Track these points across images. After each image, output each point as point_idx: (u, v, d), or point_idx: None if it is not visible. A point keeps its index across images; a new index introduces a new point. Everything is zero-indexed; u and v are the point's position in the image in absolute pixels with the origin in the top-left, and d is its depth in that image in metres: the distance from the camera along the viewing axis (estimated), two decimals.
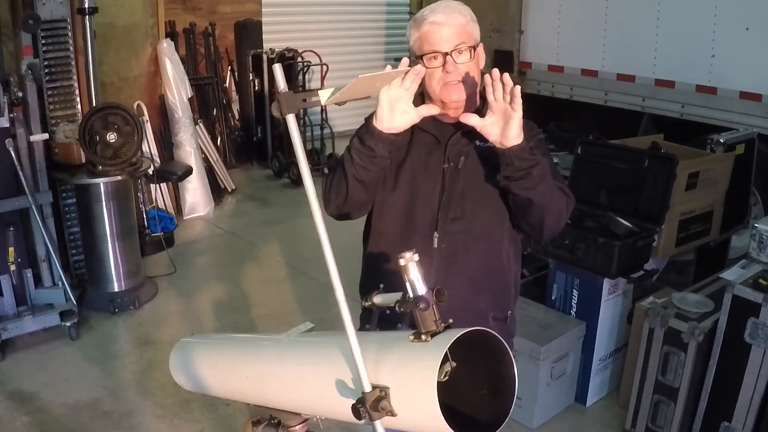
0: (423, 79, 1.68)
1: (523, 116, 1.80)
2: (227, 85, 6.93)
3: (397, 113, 1.56)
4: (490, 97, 1.52)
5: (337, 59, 7.29)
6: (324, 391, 1.30)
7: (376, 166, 1.61)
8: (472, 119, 1.56)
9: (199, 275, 4.67)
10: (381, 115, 1.56)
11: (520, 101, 1.49)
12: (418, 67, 1.54)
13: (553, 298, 3.21)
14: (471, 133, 1.68)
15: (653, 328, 2.75)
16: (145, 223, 4.87)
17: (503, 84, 1.49)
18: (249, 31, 7.00)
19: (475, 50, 1.66)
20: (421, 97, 1.77)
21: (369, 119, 1.64)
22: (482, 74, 1.69)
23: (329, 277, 1.20)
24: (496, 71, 1.49)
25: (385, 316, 1.68)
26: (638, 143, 3.70)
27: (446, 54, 1.62)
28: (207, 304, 4.24)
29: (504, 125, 1.52)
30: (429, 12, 1.65)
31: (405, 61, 1.50)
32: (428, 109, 1.62)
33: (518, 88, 1.48)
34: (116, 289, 4.09)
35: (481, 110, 1.72)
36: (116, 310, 4.00)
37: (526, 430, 2.99)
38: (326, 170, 6.54)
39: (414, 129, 1.71)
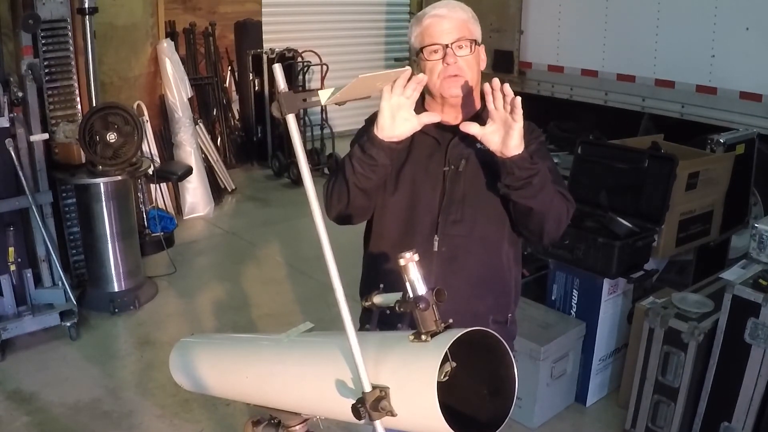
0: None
1: (524, 117, 1.79)
2: (227, 85, 6.93)
3: (398, 121, 1.54)
4: (490, 105, 1.51)
5: (337, 59, 7.29)
6: (324, 391, 1.30)
7: (377, 175, 1.60)
8: (473, 128, 1.55)
9: (199, 275, 4.67)
10: (382, 124, 1.55)
11: (521, 111, 1.48)
12: (421, 75, 1.53)
13: (553, 298, 3.21)
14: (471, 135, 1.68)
15: (653, 328, 2.75)
16: (145, 223, 4.87)
17: (504, 94, 1.48)
18: (249, 31, 7.00)
19: (475, 45, 1.66)
20: (421, 97, 1.77)
21: (370, 123, 1.64)
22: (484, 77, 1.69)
23: (329, 277, 1.20)
24: (496, 81, 1.48)
25: (385, 316, 1.68)
26: (638, 143, 3.70)
27: (446, 46, 1.62)
28: (207, 304, 4.24)
29: (505, 135, 1.51)
30: (431, 8, 1.67)
31: (408, 70, 1.49)
32: (430, 117, 1.60)
33: (518, 99, 1.47)
34: (116, 289, 4.09)
35: (482, 113, 1.72)
36: (116, 310, 4.00)
37: (526, 430, 2.99)
38: (326, 171, 6.55)
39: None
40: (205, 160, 5.98)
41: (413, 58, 1.74)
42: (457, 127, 1.69)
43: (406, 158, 1.71)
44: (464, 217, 1.67)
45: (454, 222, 1.66)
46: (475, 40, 1.66)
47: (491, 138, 1.53)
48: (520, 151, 1.52)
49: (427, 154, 1.70)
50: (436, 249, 1.68)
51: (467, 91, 1.66)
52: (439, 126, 1.71)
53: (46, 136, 3.79)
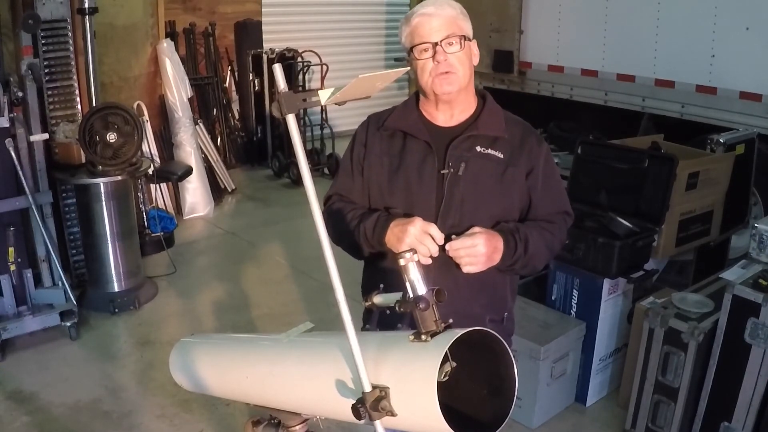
0: (416, 75, 1.68)
1: (523, 116, 1.79)
2: (227, 85, 6.93)
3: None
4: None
5: (337, 59, 7.29)
6: (324, 391, 1.30)
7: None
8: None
9: (199, 275, 4.67)
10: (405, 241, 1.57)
11: (458, 254, 1.58)
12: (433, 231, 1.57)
13: (553, 298, 3.21)
14: (472, 137, 1.67)
15: (653, 328, 2.75)
16: (145, 223, 4.87)
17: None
18: (249, 31, 7.00)
19: (465, 41, 1.65)
20: (416, 97, 1.76)
21: (371, 122, 1.70)
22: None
23: (329, 277, 1.20)
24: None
25: (385, 316, 1.68)
26: (638, 143, 3.70)
27: (436, 44, 1.62)
28: (207, 304, 4.24)
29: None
30: (419, 7, 1.67)
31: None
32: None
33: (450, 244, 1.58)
34: (116, 289, 4.09)
35: (481, 112, 1.71)
36: (116, 310, 4.00)
37: (526, 430, 2.99)
38: (326, 171, 6.55)
39: (406, 136, 1.71)
40: (205, 160, 5.98)
41: (405, 58, 1.73)
42: (449, 128, 1.69)
43: (399, 164, 1.70)
44: (463, 221, 1.65)
45: (452, 227, 1.65)
46: (465, 36, 1.65)
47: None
48: (498, 260, 1.61)
49: (420, 158, 1.69)
50: None
51: (460, 87, 1.66)
52: (431, 128, 1.71)
53: (46, 136, 3.79)
